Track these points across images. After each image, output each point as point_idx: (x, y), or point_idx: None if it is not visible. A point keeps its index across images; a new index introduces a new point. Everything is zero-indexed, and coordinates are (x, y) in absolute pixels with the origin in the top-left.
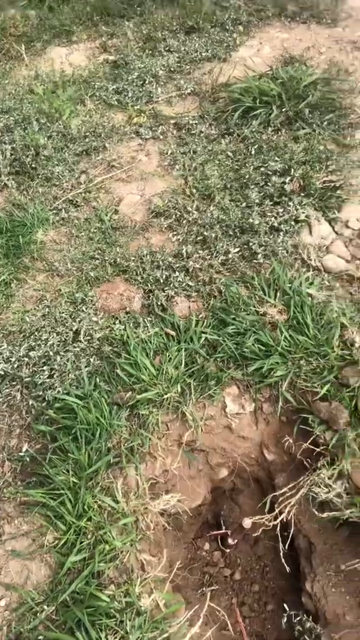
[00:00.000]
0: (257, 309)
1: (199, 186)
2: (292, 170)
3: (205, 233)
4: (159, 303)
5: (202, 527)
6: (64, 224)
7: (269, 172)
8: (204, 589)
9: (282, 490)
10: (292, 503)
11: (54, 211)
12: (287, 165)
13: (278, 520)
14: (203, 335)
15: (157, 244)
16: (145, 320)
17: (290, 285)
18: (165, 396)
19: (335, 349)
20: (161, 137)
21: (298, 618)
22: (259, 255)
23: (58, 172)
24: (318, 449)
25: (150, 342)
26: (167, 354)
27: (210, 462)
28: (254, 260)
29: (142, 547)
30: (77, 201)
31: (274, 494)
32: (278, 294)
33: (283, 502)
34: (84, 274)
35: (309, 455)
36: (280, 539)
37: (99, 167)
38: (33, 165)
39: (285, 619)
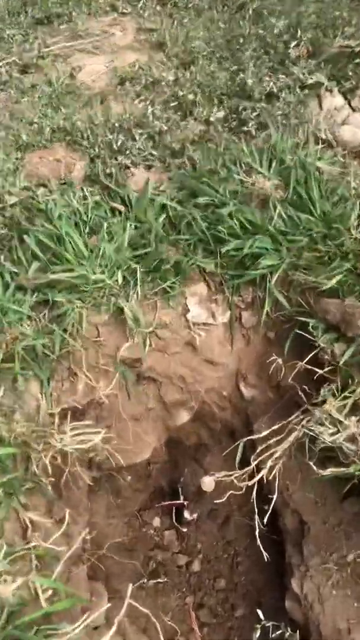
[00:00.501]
0: (243, 178)
1: (179, 51)
2: (299, 32)
3: (180, 93)
4: (108, 171)
5: (153, 496)
6: (3, 89)
7: (268, 35)
8: (145, 580)
9: (264, 434)
10: (277, 454)
11: None
12: (292, 27)
13: (255, 480)
14: (163, 209)
15: (118, 111)
16: (86, 189)
17: (291, 157)
18: (94, 277)
19: (353, 230)
20: (141, 11)
21: (279, 632)
22: (250, 124)
23: (8, 35)
24: (321, 371)
25: (87, 215)
26: (107, 230)
27: (164, 398)
28: (244, 128)
29: (32, 502)
30: (25, 64)
31: (250, 437)
32: (273, 164)
33: (264, 452)
34: (15, 138)
35: (307, 381)
36: (257, 514)
37: (60, 36)
38: None
39: (258, 633)
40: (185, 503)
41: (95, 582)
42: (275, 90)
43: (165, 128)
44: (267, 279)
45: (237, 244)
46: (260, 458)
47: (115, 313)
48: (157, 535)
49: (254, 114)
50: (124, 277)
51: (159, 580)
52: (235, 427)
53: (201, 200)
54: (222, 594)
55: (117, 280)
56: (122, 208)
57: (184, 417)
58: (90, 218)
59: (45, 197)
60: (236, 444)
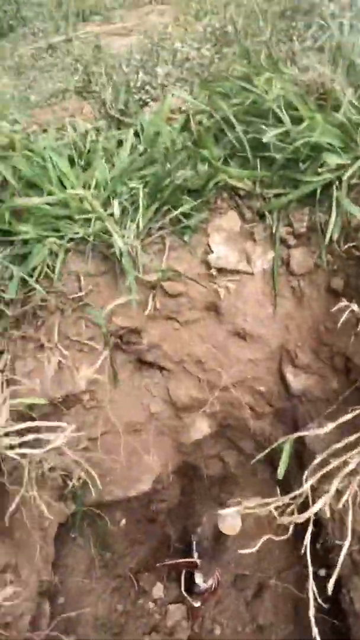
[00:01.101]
0: (296, 75)
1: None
2: None
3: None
4: (120, 107)
5: (158, 552)
6: (24, 72)
7: None
8: None
9: (326, 430)
10: (350, 466)
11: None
12: None
13: (311, 512)
14: (184, 126)
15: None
16: (88, 125)
17: None
18: (77, 203)
19: None
20: None
21: None
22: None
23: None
24: None
25: (84, 146)
26: (105, 156)
27: (173, 396)
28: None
29: None
30: (51, 46)
31: (301, 434)
32: (340, 64)
33: (325, 466)
34: (23, 101)
35: None
36: (312, 577)
37: (91, 24)
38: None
39: None
40: (198, 562)
41: None
42: None
43: (195, 54)
44: (334, 188)
45: (284, 130)
46: (318, 474)
47: (106, 259)
48: (159, 610)
49: (311, 30)
50: (122, 208)
51: None
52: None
53: (236, 100)
54: None
55: (112, 213)
56: (131, 137)
57: (201, 427)
58: (89, 150)
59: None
60: (280, 442)
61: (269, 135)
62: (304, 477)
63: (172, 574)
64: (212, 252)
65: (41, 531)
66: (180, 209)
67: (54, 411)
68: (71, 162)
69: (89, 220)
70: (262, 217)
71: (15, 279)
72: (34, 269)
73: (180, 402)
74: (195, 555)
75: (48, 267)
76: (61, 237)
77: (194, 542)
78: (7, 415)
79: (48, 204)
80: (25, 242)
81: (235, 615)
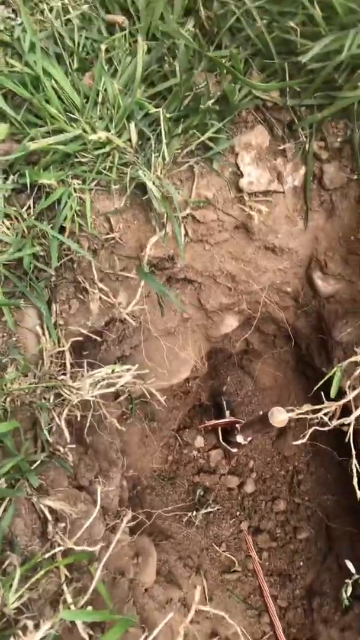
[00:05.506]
0: None
1: None
2: None
3: None
4: None
5: (193, 412)
6: None
7: None
8: (194, 513)
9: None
10: None
11: None
12: None
13: (352, 418)
14: (190, 11)
15: None
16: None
17: None
18: (94, 137)
19: None
20: None
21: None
22: None
23: None
24: None
25: (72, 41)
26: (106, 57)
27: (205, 305)
28: None
29: (49, 480)
30: None
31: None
32: None
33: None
34: None
35: None
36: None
37: None
38: None
39: (349, 590)
40: (238, 425)
41: (139, 536)
42: None
43: None
44: None
45: (329, 42)
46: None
47: (132, 193)
48: (202, 456)
49: None
50: (140, 133)
51: (209, 510)
52: (300, 330)
53: None
54: (281, 516)
55: (130, 140)
56: (124, 20)
57: (230, 324)
58: (79, 44)
59: (9, 20)
60: (332, 372)
61: (311, 53)
62: (348, 385)
63: (207, 430)
64: (242, 175)
65: (107, 431)
66: (208, 134)
67: (99, 335)
68: (58, 57)
69: (109, 153)
70: (292, 130)
71: (53, 243)
72: (65, 219)
73: (211, 307)
74: (227, 413)
75: (76, 213)
76: (82, 178)
77: (224, 402)
78: (70, 358)
79: (60, 142)
80: (48, 191)
81: (263, 450)
